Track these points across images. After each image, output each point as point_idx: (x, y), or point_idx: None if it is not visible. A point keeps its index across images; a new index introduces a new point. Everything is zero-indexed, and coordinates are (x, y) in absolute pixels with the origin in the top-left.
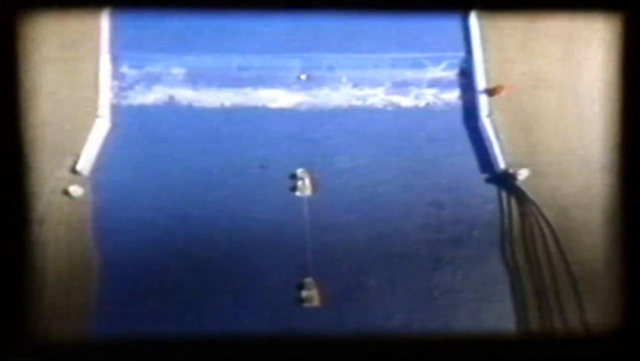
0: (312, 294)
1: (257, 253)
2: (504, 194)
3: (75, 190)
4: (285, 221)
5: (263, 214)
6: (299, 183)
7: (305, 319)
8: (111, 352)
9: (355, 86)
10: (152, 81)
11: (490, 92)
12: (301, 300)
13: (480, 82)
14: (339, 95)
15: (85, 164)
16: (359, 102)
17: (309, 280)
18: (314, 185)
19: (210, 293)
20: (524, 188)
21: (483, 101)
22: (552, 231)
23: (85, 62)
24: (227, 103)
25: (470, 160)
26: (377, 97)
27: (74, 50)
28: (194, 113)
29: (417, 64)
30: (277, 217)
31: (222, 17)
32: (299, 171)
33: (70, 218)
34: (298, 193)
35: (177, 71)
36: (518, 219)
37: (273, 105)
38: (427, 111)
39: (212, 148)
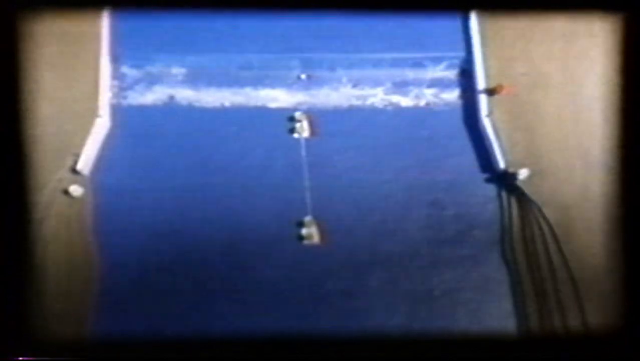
0: (311, 232)
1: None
2: (504, 194)
3: (75, 190)
4: (284, 163)
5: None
6: (297, 125)
7: (305, 256)
8: (111, 352)
9: (355, 86)
10: (152, 81)
11: (491, 92)
12: (301, 238)
13: (480, 82)
14: (339, 95)
15: (85, 164)
16: (359, 102)
17: (308, 218)
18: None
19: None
20: (524, 187)
21: (483, 101)
22: (552, 231)
23: (85, 62)
24: (227, 103)
25: (470, 160)
26: (377, 97)
27: (74, 50)
28: (194, 113)
29: (417, 64)
30: (277, 162)
31: (222, 17)
32: (297, 114)
33: (70, 217)
34: (296, 135)
35: (177, 71)
36: (518, 219)
37: (273, 105)
38: (427, 111)
39: (212, 148)
